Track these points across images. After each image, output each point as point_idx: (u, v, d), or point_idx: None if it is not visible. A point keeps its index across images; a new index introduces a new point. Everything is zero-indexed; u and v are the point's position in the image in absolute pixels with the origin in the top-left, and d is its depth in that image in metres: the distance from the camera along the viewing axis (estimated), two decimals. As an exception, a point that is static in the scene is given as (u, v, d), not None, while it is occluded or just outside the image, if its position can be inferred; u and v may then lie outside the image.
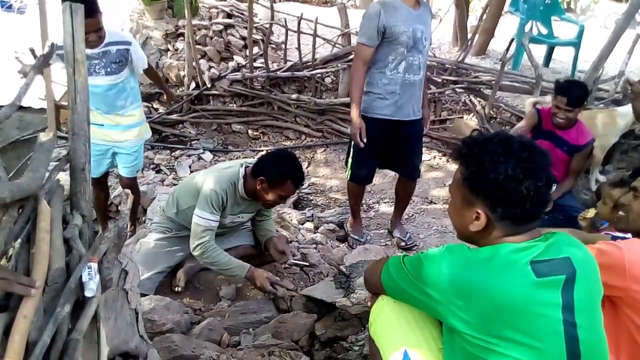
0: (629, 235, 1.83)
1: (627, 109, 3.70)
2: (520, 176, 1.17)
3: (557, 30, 6.77)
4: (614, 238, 1.92)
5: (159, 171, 4.60)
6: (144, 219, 3.62)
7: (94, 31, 2.61)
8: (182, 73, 5.19)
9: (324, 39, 5.52)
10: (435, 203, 4.04)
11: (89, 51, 2.65)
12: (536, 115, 3.35)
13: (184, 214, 2.55)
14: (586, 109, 4.04)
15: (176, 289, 2.58)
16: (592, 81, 4.44)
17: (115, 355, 1.28)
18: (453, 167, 4.31)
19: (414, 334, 1.39)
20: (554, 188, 3.28)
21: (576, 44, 6.22)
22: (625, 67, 4.71)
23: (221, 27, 5.57)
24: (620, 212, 1.71)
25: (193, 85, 5.19)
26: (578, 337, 1.16)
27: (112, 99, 2.86)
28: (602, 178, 4.01)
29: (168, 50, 5.41)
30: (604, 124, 3.83)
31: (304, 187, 4.30)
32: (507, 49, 4.85)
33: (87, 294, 1.06)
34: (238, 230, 2.85)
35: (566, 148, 3.26)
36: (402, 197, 3.38)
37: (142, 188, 3.92)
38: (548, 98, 3.84)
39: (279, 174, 2.36)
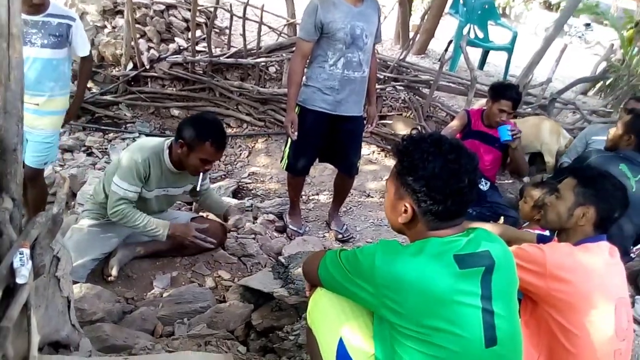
0: (547, 232, 1.98)
1: (568, 135, 4.16)
2: (445, 176, 1.25)
3: (492, 34, 7.09)
4: (541, 237, 2.07)
5: (90, 154, 4.40)
6: (73, 203, 3.46)
7: None
8: (118, 52, 4.97)
9: (269, 27, 5.46)
10: (372, 196, 4.14)
11: (27, 17, 2.48)
12: (466, 116, 3.54)
13: None
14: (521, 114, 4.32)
15: (108, 278, 2.49)
16: (522, 86, 4.71)
17: (45, 344, 1.23)
18: (390, 162, 4.45)
19: (349, 323, 1.44)
20: (485, 186, 3.48)
21: (509, 49, 6.54)
22: (553, 75, 5.03)
23: (163, 7, 5.37)
24: (542, 212, 1.85)
25: (130, 65, 4.98)
26: (495, 324, 1.25)
27: (41, 77, 2.63)
28: (526, 179, 4.28)
29: (105, 27, 5.15)
30: (550, 132, 4.12)
31: (244, 176, 4.28)
32: (446, 50, 5.03)
33: (19, 280, 1.01)
34: (172, 217, 2.80)
35: (498, 144, 3.45)
36: (340, 191, 3.45)
37: (72, 171, 3.74)
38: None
39: (197, 136, 2.29)
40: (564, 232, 1.74)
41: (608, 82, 5.82)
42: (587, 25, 12.00)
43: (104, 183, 2.52)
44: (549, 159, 4.15)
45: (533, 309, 1.66)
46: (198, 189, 2.59)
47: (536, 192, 2.62)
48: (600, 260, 1.61)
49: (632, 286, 2.89)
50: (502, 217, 3.05)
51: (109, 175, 2.51)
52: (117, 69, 4.99)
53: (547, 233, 2.13)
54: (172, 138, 2.45)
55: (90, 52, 2.92)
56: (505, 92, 3.31)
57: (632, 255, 2.86)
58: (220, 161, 4.45)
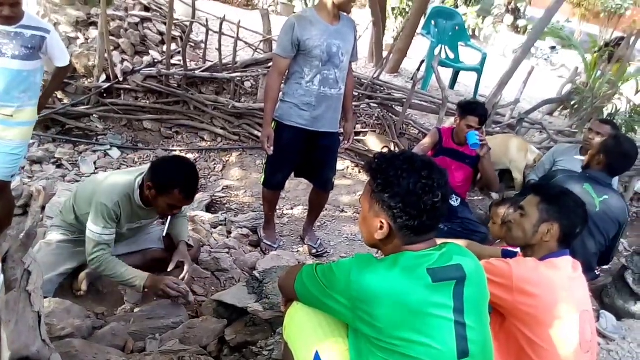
0: (517, 249, 2.04)
1: (536, 150, 4.27)
2: (420, 192, 1.29)
3: (463, 55, 7.28)
4: (505, 252, 2.13)
5: (60, 166, 4.32)
6: (41, 217, 3.38)
7: (9, 5, 2.41)
8: (91, 63, 4.91)
9: (245, 42, 5.49)
10: (346, 211, 4.18)
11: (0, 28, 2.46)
12: (437, 134, 3.63)
13: (84, 219, 2.39)
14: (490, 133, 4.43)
15: (78, 292, 2.44)
16: (491, 106, 4.85)
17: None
18: (364, 177, 4.50)
19: (325, 337, 1.46)
20: (456, 202, 3.55)
21: (479, 70, 6.72)
22: (521, 95, 5.20)
23: (138, 19, 5.35)
24: (507, 228, 1.90)
25: (103, 77, 4.92)
26: (467, 336, 1.29)
27: (10, 88, 2.59)
28: (495, 196, 4.38)
29: (78, 38, 5.09)
30: (518, 150, 4.23)
31: (218, 190, 4.26)
32: (418, 70, 5.15)
33: (-9, 295, 1.00)
34: (145, 233, 2.75)
35: (469, 160, 3.54)
36: (315, 206, 3.47)
37: (41, 183, 3.66)
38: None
39: (166, 181, 2.20)
40: (529, 248, 1.80)
41: (573, 102, 6.02)
42: (553, 48, 12.41)
43: (74, 204, 2.45)
44: (517, 176, 4.26)
45: (502, 322, 1.70)
46: (164, 234, 2.51)
47: (502, 209, 2.68)
48: (564, 275, 1.67)
49: (597, 301, 2.99)
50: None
51: (80, 198, 2.42)
52: (89, 81, 4.93)
53: (517, 250, 2.19)
54: (144, 174, 2.34)
55: (70, 61, 2.91)
56: (472, 109, 3.41)
57: (596, 272, 2.95)
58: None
